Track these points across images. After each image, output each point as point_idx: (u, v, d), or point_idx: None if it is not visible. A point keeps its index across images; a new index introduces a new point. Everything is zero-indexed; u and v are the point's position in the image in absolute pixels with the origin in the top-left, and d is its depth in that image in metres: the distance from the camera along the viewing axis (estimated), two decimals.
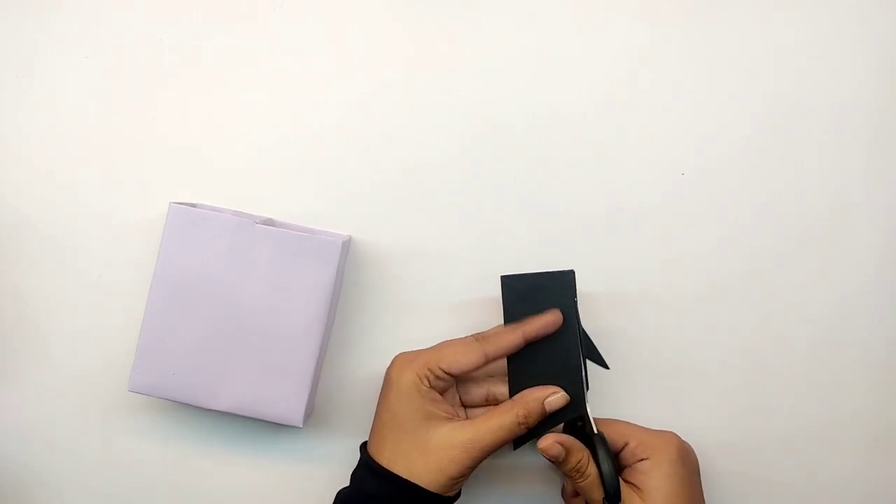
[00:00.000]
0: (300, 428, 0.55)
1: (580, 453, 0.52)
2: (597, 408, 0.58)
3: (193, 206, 0.55)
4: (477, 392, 0.56)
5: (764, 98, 0.59)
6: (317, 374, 0.56)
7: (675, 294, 0.59)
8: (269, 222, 0.57)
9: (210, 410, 0.55)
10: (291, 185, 0.59)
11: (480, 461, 0.51)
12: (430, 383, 0.52)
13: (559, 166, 0.59)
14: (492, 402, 0.55)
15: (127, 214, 0.59)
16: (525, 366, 0.53)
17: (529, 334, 0.53)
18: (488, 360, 0.53)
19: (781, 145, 0.59)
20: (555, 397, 0.53)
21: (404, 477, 0.50)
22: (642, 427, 0.55)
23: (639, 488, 0.52)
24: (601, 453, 0.52)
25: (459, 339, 0.54)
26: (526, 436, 0.53)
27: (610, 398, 0.59)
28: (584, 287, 0.59)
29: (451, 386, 0.55)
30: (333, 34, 0.59)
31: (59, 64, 0.59)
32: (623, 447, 0.54)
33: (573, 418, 0.54)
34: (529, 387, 0.53)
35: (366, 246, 0.59)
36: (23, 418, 0.59)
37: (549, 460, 0.52)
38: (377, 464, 0.52)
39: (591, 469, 0.52)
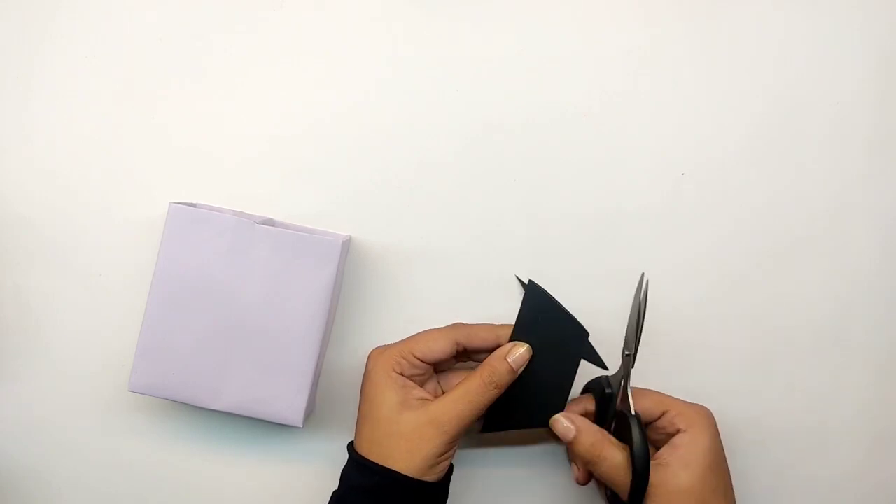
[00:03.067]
0: (300, 428, 0.55)
1: (592, 437, 0.51)
2: None
3: (193, 205, 0.55)
4: (455, 380, 0.55)
5: (764, 98, 0.59)
6: (317, 373, 0.56)
7: (675, 294, 0.59)
8: (269, 222, 0.57)
9: (210, 410, 0.55)
10: (291, 185, 0.59)
11: (454, 437, 0.51)
12: (403, 371, 0.53)
13: (559, 166, 0.59)
14: None
15: (127, 214, 0.59)
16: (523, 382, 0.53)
17: (503, 339, 0.53)
18: (459, 349, 0.54)
19: (781, 145, 0.59)
20: (518, 352, 0.52)
21: (381, 464, 0.50)
22: (678, 399, 0.54)
23: (672, 462, 0.51)
24: (636, 433, 0.50)
25: (435, 328, 0.54)
26: (499, 419, 0.53)
27: None
28: (583, 287, 0.59)
29: (430, 376, 0.55)
30: (333, 34, 0.59)
31: (59, 64, 0.59)
32: (660, 416, 0.53)
33: (606, 394, 0.53)
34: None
35: (366, 246, 0.59)
36: (23, 418, 0.59)
37: (562, 440, 0.51)
38: (358, 455, 0.52)
39: (610, 455, 0.51)
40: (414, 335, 0.54)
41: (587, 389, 0.57)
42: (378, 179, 0.59)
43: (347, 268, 0.59)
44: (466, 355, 0.56)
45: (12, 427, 0.59)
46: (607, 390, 0.54)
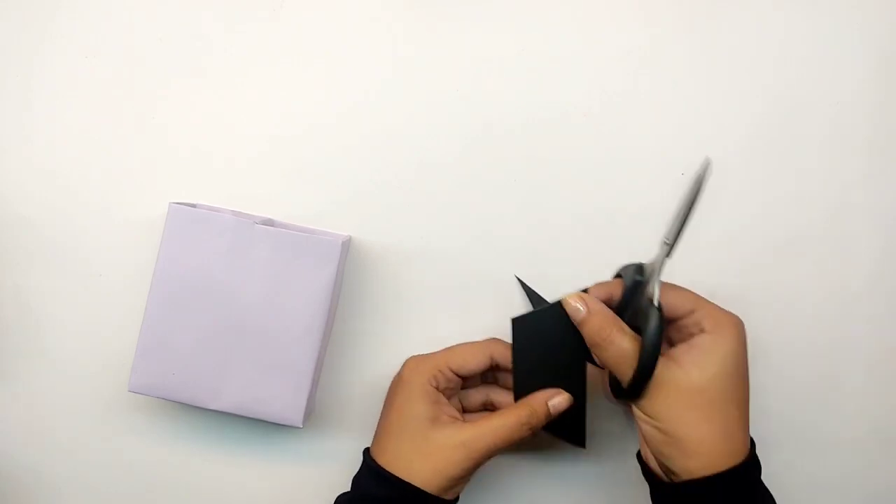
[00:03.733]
0: (300, 428, 0.55)
1: (603, 320, 0.49)
2: (598, 409, 0.58)
3: (193, 205, 0.55)
4: (475, 397, 0.56)
5: (764, 98, 0.59)
6: (317, 373, 0.56)
7: None
8: (269, 222, 0.57)
9: (210, 410, 0.55)
10: (291, 185, 0.59)
11: (480, 463, 0.51)
12: (438, 385, 0.53)
13: (559, 166, 0.59)
14: (489, 407, 0.56)
15: (127, 214, 0.59)
16: (530, 371, 0.53)
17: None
18: (493, 363, 0.54)
19: (781, 145, 0.59)
20: (558, 399, 0.52)
21: (402, 478, 0.50)
22: (711, 302, 0.50)
23: (684, 360, 0.48)
24: (652, 322, 0.47)
25: (472, 341, 0.55)
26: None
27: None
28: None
29: (458, 390, 0.55)
30: (333, 34, 0.59)
31: (59, 64, 0.59)
32: (686, 315, 0.50)
33: (636, 281, 0.50)
34: (533, 389, 0.53)
35: (366, 246, 0.59)
36: (23, 418, 0.59)
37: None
38: (377, 465, 0.51)
39: (618, 340, 0.48)
40: (450, 347, 0.54)
41: (619, 275, 0.53)
42: (378, 179, 0.59)
43: (347, 268, 0.59)
44: (493, 373, 0.56)
45: (12, 427, 0.59)
46: (637, 277, 0.50)
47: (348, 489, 0.54)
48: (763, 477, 0.60)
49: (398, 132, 0.59)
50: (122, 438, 0.59)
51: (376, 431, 0.54)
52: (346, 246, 0.57)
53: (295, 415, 0.54)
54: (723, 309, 0.50)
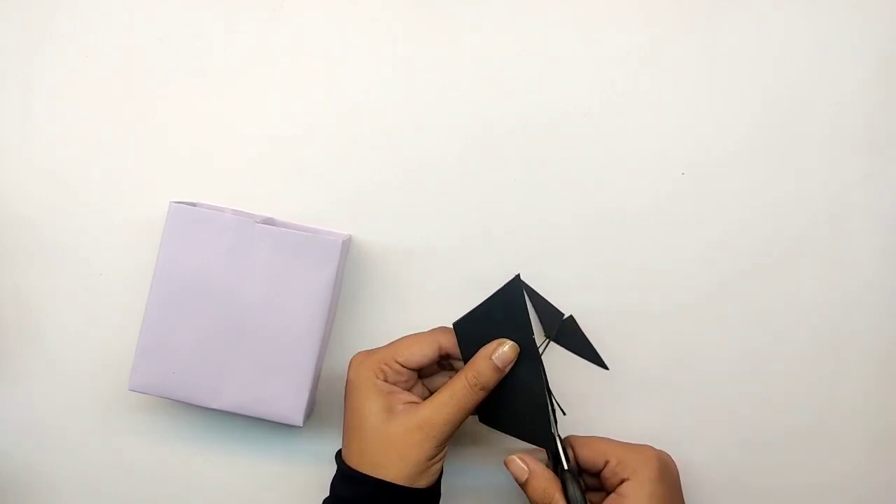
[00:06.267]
0: (300, 427, 0.55)
1: (545, 482, 0.51)
2: (598, 409, 0.58)
3: (194, 205, 0.55)
4: (441, 381, 0.54)
5: (764, 98, 0.59)
6: (317, 373, 0.56)
7: (675, 294, 0.59)
8: (269, 222, 0.57)
9: (210, 410, 0.55)
10: (291, 184, 0.59)
11: (443, 440, 0.50)
12: (386, 377, 0.52)
13: (559, 166, 0.59)
14: None
15: (127, 214, 0.59)
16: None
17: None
18: (443, 353, 0.53)
19: (781, 145, 0.59)
20: (502, 350, 0.51)
21: (370, 475, 0.50)
22: (621, 443, 0.53)
23: None
24: (570, 489, 0.51)
25: (419, 332, 0.53)
26: (493, 417, 0.52)
27: (610, 399, 0.59)
28: (584, 287, 0.59)
29: (415, 381, 0.54)
30: (333, 34, 0.59)
31: (59, 64, 0.59)
32: (604, 466, 0.52)
33: (553, 450, 0.53)
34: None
35: (366, 246, 0.59)
36: (23, 418, 0.59)
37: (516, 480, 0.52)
38: (347, 466, 0.51)
39: (560, 502, 0.50)
40: (397, 340, 0.53)
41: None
42: (378, 179, 0.59)
43: (347, 268, 0.59)
44: (449, 361, 0.55)
45: (12, 427, 0.59)
46: (553, 446, 0.53)
47: None
48: (763, 477, 0.60)
49: (398, 132, 0.59)
50: (122, 438, 0.59)
51: (343, 435, 0.53)
52: (346, 246, 0.57)
53: (295, 415, 0.54)
54: (633, 448, 0.53)
